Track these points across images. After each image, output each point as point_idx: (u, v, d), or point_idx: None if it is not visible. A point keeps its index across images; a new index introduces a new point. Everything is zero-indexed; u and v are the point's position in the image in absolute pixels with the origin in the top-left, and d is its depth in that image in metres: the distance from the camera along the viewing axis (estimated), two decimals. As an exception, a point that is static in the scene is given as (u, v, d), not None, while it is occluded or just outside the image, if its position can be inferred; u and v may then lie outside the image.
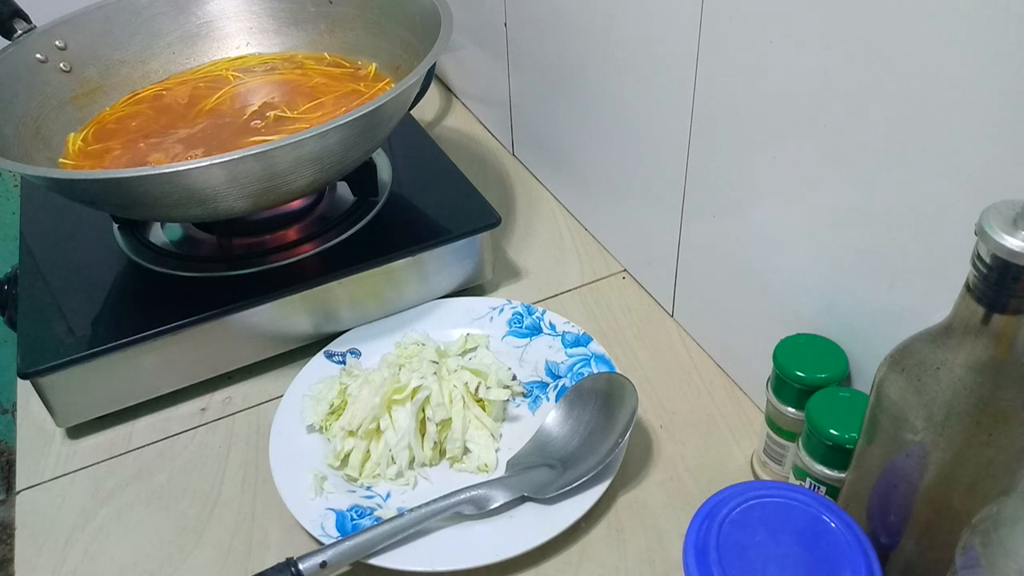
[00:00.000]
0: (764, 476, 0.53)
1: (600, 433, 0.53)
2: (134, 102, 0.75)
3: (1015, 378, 0.33)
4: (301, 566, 0.46)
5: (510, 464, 0.54)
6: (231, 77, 0.76)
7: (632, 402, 0.53)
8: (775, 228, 0.51)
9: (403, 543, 0.49)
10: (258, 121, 0.69)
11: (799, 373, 0.47)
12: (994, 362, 0.33)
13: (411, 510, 0.49)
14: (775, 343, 0.49)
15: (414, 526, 0.49)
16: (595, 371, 0.60)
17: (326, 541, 0.49)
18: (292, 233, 0.67)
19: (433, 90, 0.99)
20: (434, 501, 0.50)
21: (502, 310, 0.65)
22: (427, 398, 0.55)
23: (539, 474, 0.52)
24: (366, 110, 0.55)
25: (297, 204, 0.69)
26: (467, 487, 0.51)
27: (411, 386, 0.55)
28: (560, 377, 0.60)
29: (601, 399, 0.54)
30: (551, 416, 0.55)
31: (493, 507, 0.50)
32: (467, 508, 0.50)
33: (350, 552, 0.48)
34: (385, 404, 0.55)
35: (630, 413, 0.52)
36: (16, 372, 0.56)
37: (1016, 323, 0.32)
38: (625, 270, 0.72)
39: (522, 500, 0.51)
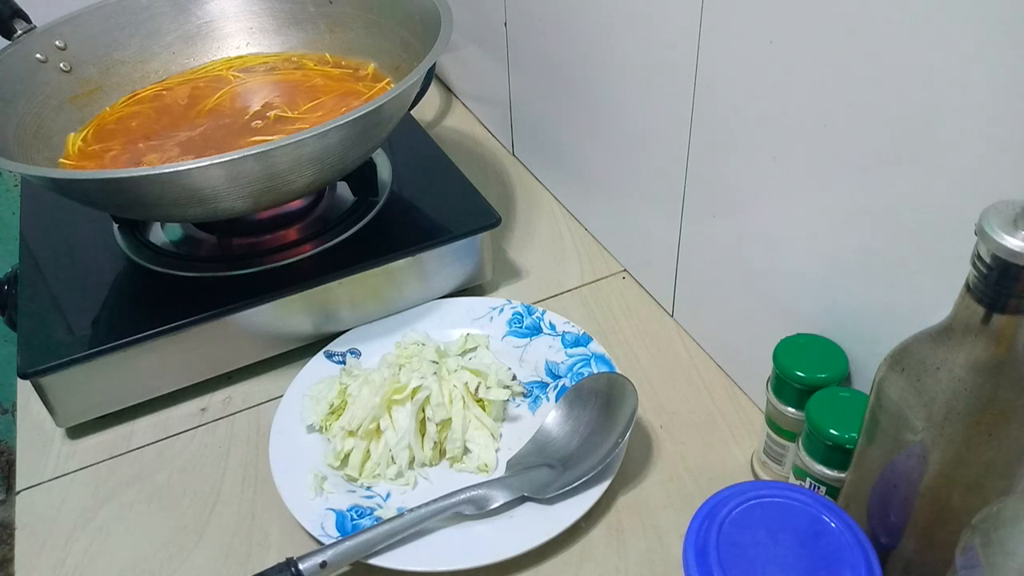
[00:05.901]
0: (764, 476, 0.53)
1: (600, 433, 0.53)
2: (134, 102, 0.75)
3: (1015, 378, 0.33)
4: (301, 566, 0.46)
5: (510, 464, 0.54)
6: (231, 77, 0.76)
7: (632, 402, 0.53)
8: (775, 228, 0.51)
9: (403, 543, 0.49)
10: (258, 121, 0.69)
11: (799, 373, 0.47)
12: (994, 362, 0.33)
13: (411, 510, 0.50)
14: (775, 343, 0.49)
15: (414, 526, 0.49)
16: (595, 371, 0.60)
17: (326, 541, 0.49)
18: (292, 233, 0.67)
19: (433, 90, 0.99)
20: (434, 501, 0.50)
21: (502, 310, 0.65)
22: (427, 398, 0.55)
23: (539, 474, 0.52)
24: (366, 110, 0.55)
25: (297, 204, 0.69)
26: (467, 487, 0.51)
27: (411, 386, 0.55)
28: (560, 377, 0.60)
29: (601, 399, 0.54)
30: (551, 416, 0.55)
31: (493, 507, 0.50)
32: (467, 508, 0.50)
33: (350, 552, 0.48)
34: (385, 404, 0.55)
35: (630, 413, 0.52)
36: (16, 372, 0.56)
37: (1016, 323, 0.32)
38: (625, 270, 0.72)
39: (522, 500, 0.51)
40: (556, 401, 0.57)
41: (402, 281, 0.64)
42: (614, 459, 0.53)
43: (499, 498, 0.51)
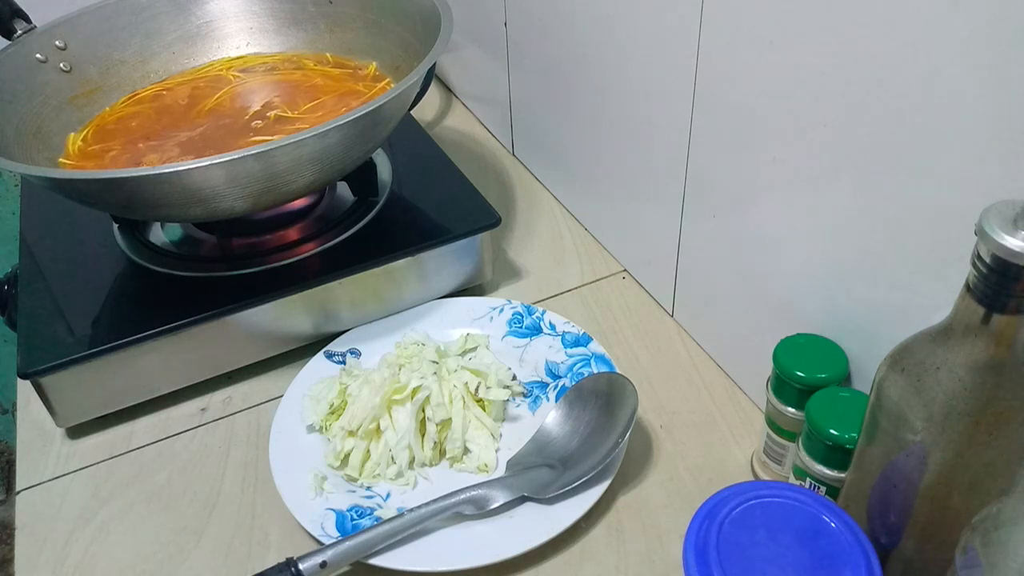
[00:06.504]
0: (764, 476, 0.53)
1: (600, 433, 0.53)
2: (134, 102, 0.75)
3: (1015, 378, 0.33)
4: (301, 566, 0.46)
5: (510, 464, 0.54)
6: (231, 77, 0.76)
7: (632, 402, 0.53)
8: (775, 228, 0.51)
9: (403, 543, 0.49)
10: (258, 121, 0.69)
11: (799, 373, 0.47)
12: (994, 362, 0.33)
13: (411, 510, 0.50)
14: (775, 343, 0.49)
15: (414, 526, 0.49)
16: (595, 371, 0.60)
17: (326, 541, 0.49)
18: (292, 233, 0.67)
19: (433, 90, 0.99)
20: (434, 501, 0.50)
21: (502, 310, 0.65)
22: (427, 398, 0.55)
23: (539, 474, 0.52)
24: (366, 110, 0.55)
25: (297, 204, 0.69)
26: (467, 487, 0.51)
27: (411, 386, 0.55)
28: (560, 377, 0.60)
29: (601, 399, 0.54)
30: (551, 416, 0.55)
31: (493, 507, 0.50)
32: (467, 508, 0.50)
33: (350, 552, 0.48)
34: (385, 404, 0.55)
35: (630, 413, 0.52)
36: (16, 372, 0.56)
37: (1016, 323, 0.32)
38: (625, 270, 0.72)
39: (522, 500, 0.51)
40: (556, 401, 0.57)
41: (402, 281, 0.64)
42: (614, 459, 0.53)
43: (499, 498, 0.51)
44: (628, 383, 0.54)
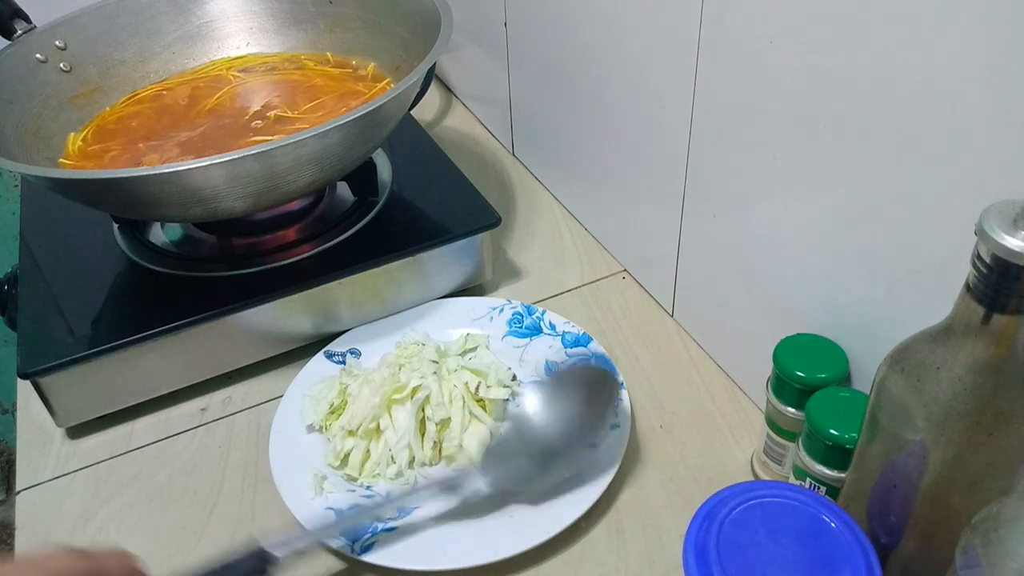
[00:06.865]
0: (764, 476, 0.53)
1: (582, 428, 0.52)
2: (134, 102, 0.75)
3: (1015, 378, 0.33)
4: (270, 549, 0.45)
5: (488, 451, 0.53)
6: (231, 77, 0.76)
7: (613, 394, 0.52)
8: (775, 228, 0.51)
9: (400, 540, 0.49)
10: (258, 121, 0.69)
11: (799, 373, 0.47)
12: (994, 362, 0.33)
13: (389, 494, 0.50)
14: (775, 343, 0.49)
15: (392, 503, 0.50)
16: (595, 371, 0.59)
17: (326, 541, 0.49)
18: (292, 233, 0.67)
19: (433, 90, 0.99)
20: (410, 487, 0.50)
21: (502, 310, 0.65)
22: (427, 398, 0.55)
23: (517, 464, 0.52)
24: (366, 110, 0.55)
25: (297, 204, 0.69)
26: (444, 473, 0.51)
27: (411, 386, 0.56)
28: (560, 377, 0.60)
29: (583, 390, 0.54)
30: (530, 402, 0.54)
31: (469, 493, 0.50)
32: (440, 490, 0.50)
33: (319, 535, 0.47)
34: (385, 404, 0.55)
35: (610, 401, 0.52)
36: (16, 372, 0.56)
37: (1016, 323, 0.32)
38: (625, 270, 0.72)
39: (504, 494, 0.51)
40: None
41: (402, 281, 0.64)
42: (610, 456, 0.52)
43: (475, 484, 0.51)
44: (609, 375, 0.53)
